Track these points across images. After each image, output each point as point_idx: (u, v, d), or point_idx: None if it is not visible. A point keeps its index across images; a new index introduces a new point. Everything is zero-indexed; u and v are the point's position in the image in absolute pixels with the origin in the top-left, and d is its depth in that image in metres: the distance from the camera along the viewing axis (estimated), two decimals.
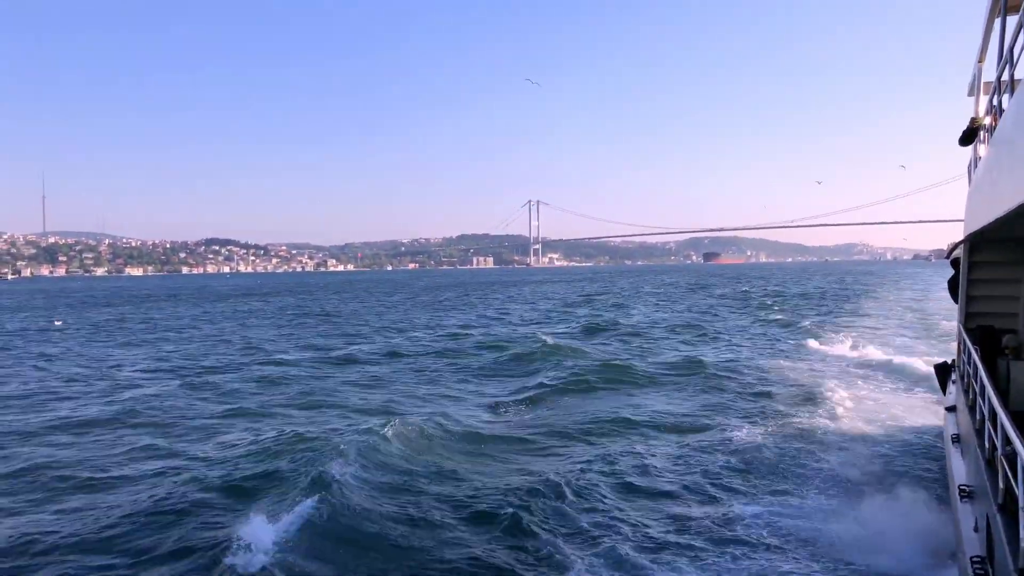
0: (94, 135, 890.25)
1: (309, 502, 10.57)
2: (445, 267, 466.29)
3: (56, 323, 53.08)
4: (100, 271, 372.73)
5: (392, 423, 15.40)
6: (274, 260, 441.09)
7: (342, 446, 13.51)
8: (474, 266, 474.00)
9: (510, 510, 10.41)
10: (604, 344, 32.00)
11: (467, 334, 36.95)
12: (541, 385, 21.39)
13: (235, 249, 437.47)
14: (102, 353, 32.53)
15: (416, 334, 38.48)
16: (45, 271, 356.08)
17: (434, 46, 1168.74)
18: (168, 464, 13.56)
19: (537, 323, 44.67)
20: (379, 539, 9.78)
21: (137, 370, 26.67)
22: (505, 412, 18.24)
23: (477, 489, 11.65)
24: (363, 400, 19.87)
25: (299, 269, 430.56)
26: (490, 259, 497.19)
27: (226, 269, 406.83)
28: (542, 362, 25.53)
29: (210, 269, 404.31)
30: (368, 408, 18.60)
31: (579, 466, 12.78)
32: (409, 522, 10.27)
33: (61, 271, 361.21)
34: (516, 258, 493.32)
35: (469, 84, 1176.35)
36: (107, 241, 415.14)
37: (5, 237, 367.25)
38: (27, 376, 25.68)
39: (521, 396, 20.08)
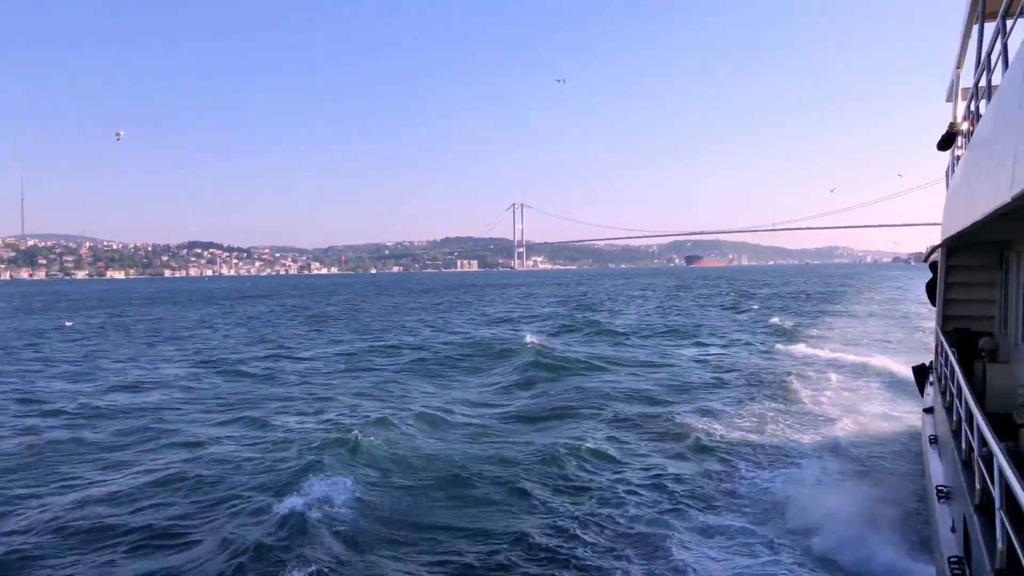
0: (73, 137, 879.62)
1: (363, 468, 13.26)
2: (430, 270, 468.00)
3: (67, 323, 54.90)
4: (81, 274, 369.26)
5: (424, 408, 18.40)
6: (257, 263, 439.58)
7: (385, 424, 16.39)
8: (458, 269, 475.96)
9: (526, 474, 12.79)
10: (595, 340, 34.89)
11: (472, 333, 39.87)
12: (541, 373, 24.37)
13: (218, 252, 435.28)
14: (133, 351, 34.74)
15: (426, 333, 41.25)
16: (24, 274, 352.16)
17: (427, 49, 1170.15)
18: (241, 433, 16.32)
19: (540, 320, 47.89)
20: (419, 494, 12.18)
21: (177, 365, 29.03)
22: (515, 397, 20.99)
23: (499, 459, 13.93)
24: (400, 388, 22.63)
25: (282, 272, 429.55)
26: (474, 262, 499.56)
27: (209, 272, 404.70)
28: (542, 358, 27.75)
29: (192, 272, 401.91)
30: (400, 395, 21.37)
31: (585, 439, 15.08)
32: (439, 483, 12.63)
33: (41, 274, 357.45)
34: (500, 261, 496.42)
35: (460, 87, 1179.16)
36: (87, 244, 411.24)
37: None
38: (74, 372, 27.91)
39: (527, 385, 22.86)
